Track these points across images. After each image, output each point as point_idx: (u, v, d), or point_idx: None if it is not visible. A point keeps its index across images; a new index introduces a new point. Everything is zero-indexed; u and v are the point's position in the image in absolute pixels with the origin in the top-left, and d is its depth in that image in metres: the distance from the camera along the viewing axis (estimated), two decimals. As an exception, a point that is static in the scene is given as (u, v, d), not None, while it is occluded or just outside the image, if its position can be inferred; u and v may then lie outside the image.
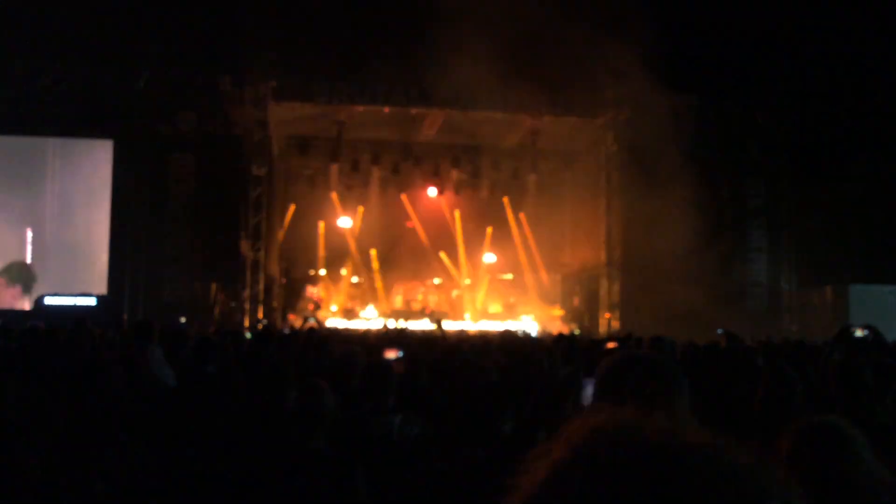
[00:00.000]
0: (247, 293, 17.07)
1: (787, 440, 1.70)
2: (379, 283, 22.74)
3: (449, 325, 15.90)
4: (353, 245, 23.34)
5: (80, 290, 14.34)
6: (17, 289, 16.06)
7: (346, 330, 14.15)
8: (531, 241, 23.34)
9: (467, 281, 23.84)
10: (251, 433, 3.57)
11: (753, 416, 3.33)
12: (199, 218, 16.38)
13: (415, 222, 23.74)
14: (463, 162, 20.49)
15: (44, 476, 2.58)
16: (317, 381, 3.08)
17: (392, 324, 12.72)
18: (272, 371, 4.11)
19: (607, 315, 18.72)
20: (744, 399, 3.74)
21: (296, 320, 16.37)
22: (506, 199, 23.28)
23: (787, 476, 0.61)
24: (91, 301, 13.64)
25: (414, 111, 18.06)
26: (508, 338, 7.16)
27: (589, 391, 1.84)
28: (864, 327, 4.70)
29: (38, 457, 2.56)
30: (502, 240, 23.89)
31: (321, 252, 23.22)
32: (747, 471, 0.58)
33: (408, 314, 19.23)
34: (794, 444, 1.68)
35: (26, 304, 15.77)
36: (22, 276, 16.10)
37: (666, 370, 1.55)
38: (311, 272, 22.58)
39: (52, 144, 16.71)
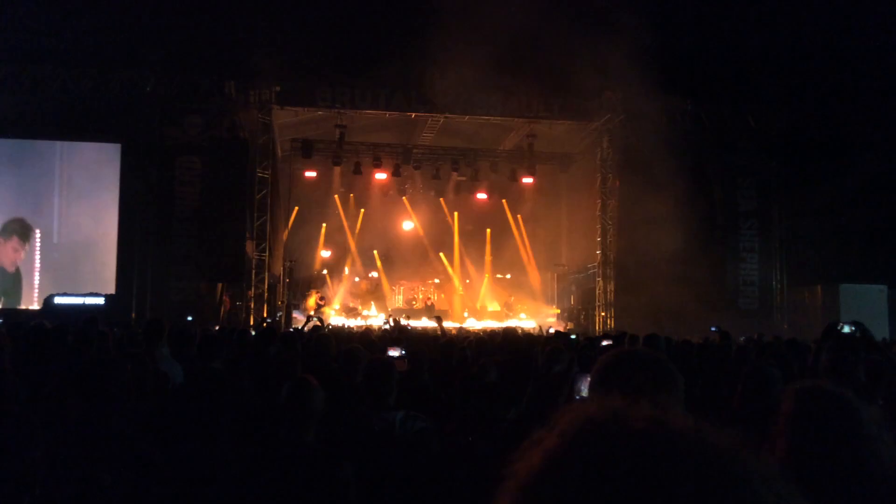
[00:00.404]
0: (252, 292, 17.08)
1: (789, 400, 1.69)
2: (385, 283, 22.82)
3: (449, 324, 15.90)
4: (353, 246, 23.39)
5: (88, 289, 14.34)
6: (15, 240, 16.15)
7: (349, 328, 14.15)
8: (528, 242, 23.40)
9: (466, 280, 23.88)
10: (253, 428, 3.57)
11: (733, 412, 3.33)
12: (204, 219, 16.38)
13: (415, 224, 23.79)
14: (462, 165, 20.49)
15: (51, 469, 2.58)
16: (306, 377, 3.07)
17: (393, 322, 12.70)
18: (279, 369, 4.11)
19: (602, 314, 18.73)
20: (728, 395, 3.74)
21: (299, 319, 16.37)
22: (504, 201, 23.33)
23: (768, 460, 0.61)
24: (99, 300, 13.63)
25: (414, 115, 18.08)
26: (510, 335, 7.16)
27: (583, 386, 1.84)
28: (851, 324, 4.69)
29: (43, 451, 2.56)
30: (501, 240, 23.95)
31: (324, 252, 23.27)
32: (729, 454, 0.60)
33: (409, 313, 19.24)
34: (797, 404, 1.67)
35: (35, 254, 16.11)
36: (16, 227, 16.20)
37: (660, 367, 1.56)
38: (315, 272, 22.62)
39: (60, 147, 16.71)
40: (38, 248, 16.35)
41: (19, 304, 16.10)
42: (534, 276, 23.42)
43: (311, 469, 2.79)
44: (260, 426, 3.55)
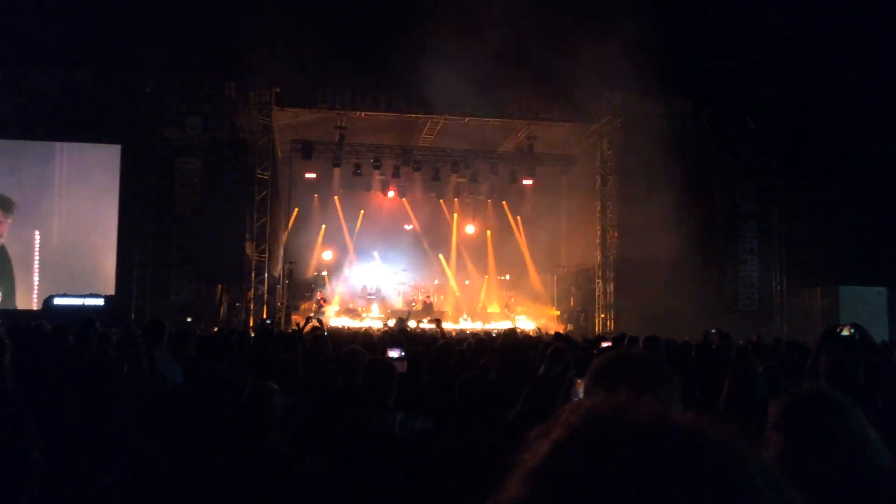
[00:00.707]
0: (251, 294, 17.08)
1: (779, 407, 1.67)
2: (387, 284, 22.83)
3: (448, 326, 15.90)
4: (350, 248, 23.38)
5: (88, 290, 14.33)
6: None
7: (349, 329, 14.14)
8: (528, 244, 23.42)
9: (466, 282, 23.88)
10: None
11: (718, 412, 3.35)
12: (204, 220, 16.38)
13: (415, 225, 23.80)
14: (462, 166, 20.50)
15: (50, 470, 2.59)
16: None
17: (395, 323, 12.71)
18: (279, 370, 4.12)
19: (602, 315, 18.73)
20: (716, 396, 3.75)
21: (299, 320, 16.35)
22: (504, 203, 23.34)
23: (759, 450, 0.64)
24: (99, 301, 13.62)
25: (414, 117, 18.08)
26: (510, 337, 7.16)
27: (579, 390, 1.85)
28: (850, 326, 4.69)
29: (42, 451, 2.57)
30: (501, 242, 23.96)
31: (325, 254, 23.27)
32: (731, 448, 0.62)
33: (408, 314, 19.23)
34: (787, 411, 1.65)
35: (35, 255, 16.15)
36: None
37: (656, 368, 1.57)
38: (314, 273, 22.62)
39: (60, 148, 16.71)
40: (37, 249, 16.35)
41: (11, 284, 15.99)
42: (533, 278, 23.42)
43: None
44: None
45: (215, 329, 11.33)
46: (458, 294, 23.09)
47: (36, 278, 16.24)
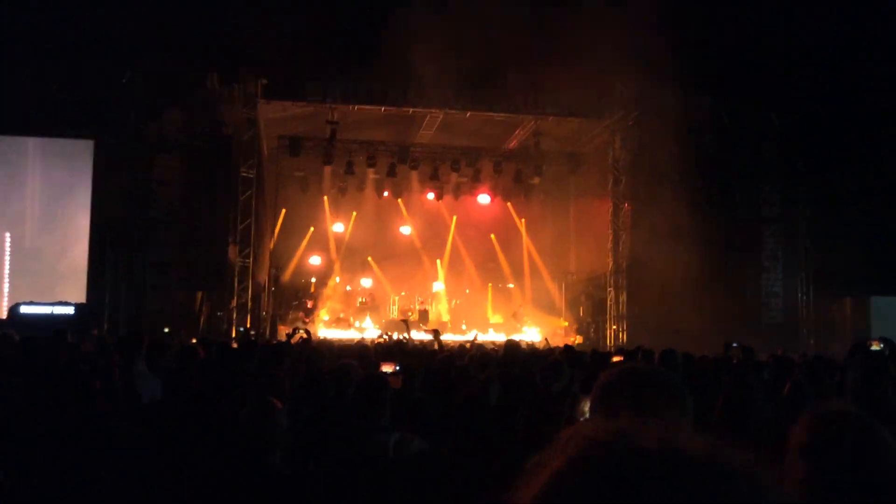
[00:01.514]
0: (234, 302, 17.08)
1: (803, 430, 1.68)
2: (385, 288, 22.85)
3: (448, 337, 15.90)
4: (334, 254, 23.39)
5: (59, 297, 14.34)
6: None
7: (341, 341, 14.15)
8: (534, 248, 23.44)
9: (466, 290, 23.88)
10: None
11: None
12: (184, 222, 16.40)
13: (411, 228, 23.82)
14: (463, 165, 20.52)
15: (16, 489, 2.62)
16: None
17: (387, 338, 12.72)
18: (264, 386, 4.14)
19: (614, 326, 18.73)
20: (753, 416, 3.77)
21: (285, 330, 16.36)
22: (509, 204, 23.39)
23: (776, 479, 0.65)
24: (69, 310, 13.63)
25: (411, 111, 18.11)
26: (511, 350, 7.17)
27: (585, 408, 1.87)
28: (879, 340, 4.72)
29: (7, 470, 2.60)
30: (505, 246, 24.00)
31: (313, 259, 23.28)
32: (739, 473, 0.62)
33: (405, 325, 19.17)
34: (812, 433, 1.66)
35: (4, 258, 16.08)
36: None
37: (666, 384, 1.58)
38: (302, 280, 22.62)
39: (32, 144, 16.72)
40: (7, 253, 16.31)
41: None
42: (540, 286, 23.43)
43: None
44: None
45: (193, 340, 11.32)
46: (458, 302, 23.09)
47: (6, 285, 16.21)
